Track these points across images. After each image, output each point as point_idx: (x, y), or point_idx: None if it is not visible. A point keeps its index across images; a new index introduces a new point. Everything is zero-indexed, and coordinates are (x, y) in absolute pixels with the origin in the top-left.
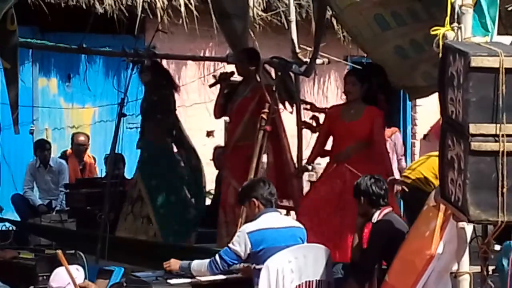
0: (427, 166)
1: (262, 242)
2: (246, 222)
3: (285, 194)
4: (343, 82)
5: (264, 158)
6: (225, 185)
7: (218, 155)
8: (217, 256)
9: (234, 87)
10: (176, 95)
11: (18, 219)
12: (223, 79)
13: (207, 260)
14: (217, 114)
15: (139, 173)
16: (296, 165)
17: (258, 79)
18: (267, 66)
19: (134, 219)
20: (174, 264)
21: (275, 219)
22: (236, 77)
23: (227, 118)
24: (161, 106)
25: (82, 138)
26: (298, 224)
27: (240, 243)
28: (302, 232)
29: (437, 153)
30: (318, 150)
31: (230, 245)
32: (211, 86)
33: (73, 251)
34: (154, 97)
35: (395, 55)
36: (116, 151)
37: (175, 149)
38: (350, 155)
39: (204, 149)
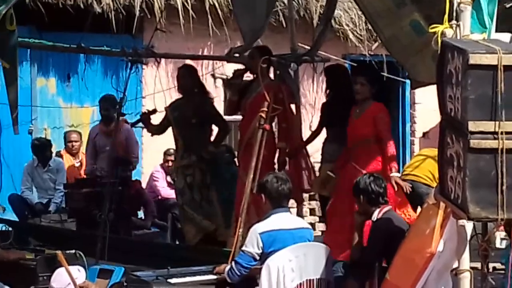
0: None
1: (273, 243)
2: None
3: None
4: (352, 82)
5: None
6: (239, 183)
7: (222, 153)
8: (233, 263)
9: (247, 85)
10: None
11: (16, 219)
12: (236, 77)
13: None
14: (229, 112)
15: None
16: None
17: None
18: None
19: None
20: (222, 269)
21: (286, 220)
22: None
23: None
24: None
25: (74, 135)
26: (306, 225)
27: (253, 244)
28: (310, 233)
29: (430, 152)
30: None
31: (244, 247)
32: (226, 84)
33: (73, 251)
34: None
35: (410, 30)
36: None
37: None
38: (355, 153)
39: None
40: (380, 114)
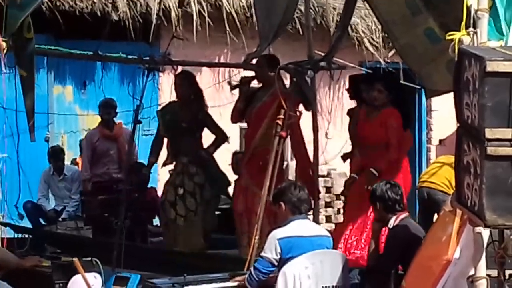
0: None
1: (291, 250)
2: (263, 228)
3: None
4: (369, 88)
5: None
6: (239, 191)
7: (238, 160)
8: (251, 268)
9: (253, 93)
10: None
11: (30, 226)
12: (243, 84)
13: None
14: (235, 119)
15: None
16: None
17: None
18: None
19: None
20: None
21: (305, 227)
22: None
23: (243, 124)
24: None
25: None
26: (325, 232)
27: (271, 250)
28: (329, 241)
29: (447, 159)
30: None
31: (262, 253)
32: (232, 89)
33: (89, 259)
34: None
35: (425, 39)
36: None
37: None
38: (368, 156)
39: (220, 154)
40: (391, 119)
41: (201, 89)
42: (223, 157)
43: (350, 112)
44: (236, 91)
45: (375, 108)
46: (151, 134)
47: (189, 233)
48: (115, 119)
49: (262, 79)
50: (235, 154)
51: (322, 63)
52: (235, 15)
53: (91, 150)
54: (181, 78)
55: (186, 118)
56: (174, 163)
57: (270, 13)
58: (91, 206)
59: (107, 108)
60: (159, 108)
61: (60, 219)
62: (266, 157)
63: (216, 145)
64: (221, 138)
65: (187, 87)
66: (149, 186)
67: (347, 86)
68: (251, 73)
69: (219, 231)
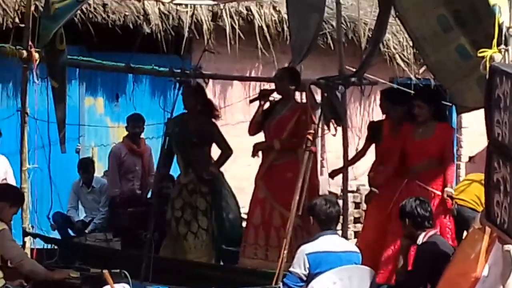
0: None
1: (320, 265)
2: (292, 243)
3: None
4: (412, 106)
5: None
6: (256, 203)
7: None
8: (280, 284)
9: (272, 105)
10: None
11: (59, 237)
12: (263, 96)
13: None
14: (252, 131)
15: None
16: (342, 187)
17: (300, 99)
18: (313, 87)
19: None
20: None
21: (333, 242)
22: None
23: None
24: None
25: None
26: (355, 248)
27: (300, 265)
28: (357, 257)
29: (476, 176)
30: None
31: (291, 268)
32: (251, 101)
33: (118, 271)
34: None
35: (456, 55)
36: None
37: None
38: (419, 172)
39: (249, 170)
40: (450, 135)
41: (210, 100)
42: (251, 172)
43: (375, 125)
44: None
45: (421, 125)
46: None
47: (200, 251)
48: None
49: (282, 92)
50: None
51: (353, 79)
52: (266, 29)
53: (117, 164)
54: (186, 90)
55: (194, 130)
56: (183, 177)
57: (303, 28)
58: (120, 219)
59: (137, 122)
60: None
61: (87, 231)
62: (285, 171)
63: (221, 161)
64: (225, 153)
65: (192, 98)
66: None
67: (378, 102)
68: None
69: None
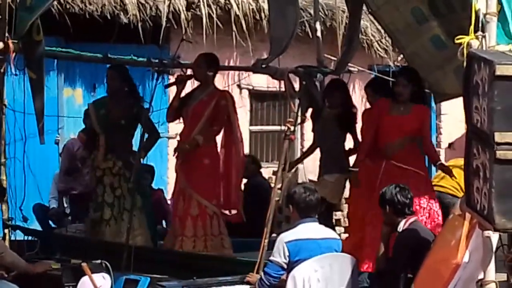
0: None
1: (299, 253)
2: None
3: (229, 204)
4: (395, 83)
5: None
6: (178, 194)
7: (247, 164)
8: (262, 273)
9: (191, 92)
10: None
11: (40, 228)
12: (180, 81)
13: None
14: (170, 118)
15: None
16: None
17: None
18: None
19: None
20: (254, 278)
21: (313, 230)
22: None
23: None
24: None
25: None
26: (334, 235)
27: (280, 253)
28: (337, 244)
29: (456, 162)
30: (369, 146)
31: (271, 257)
32: (166, 87)
33: (99, 261)
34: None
35: (431, 46)
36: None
37: None
38: (395, 151)
39: None
40: (426, 116)
41: (135, 83)
42: None
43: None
44: (246, 94)
45: (400, 103)
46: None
47: (122, 233)
48: None
49: (200, 78)
50: (245, 157)
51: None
52: (244, 19)
53: (70, 159)
54: (110, 73)
55: (120, 114)
56: (108, 160)
57: (282, 20)
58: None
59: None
60: (92, 101)
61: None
62: (203, 158)
63: (148, 145)
64: (154, 136)
65: (120, 81)
66: (156, 187)
67: (356, 89)
68: (261, 76)
69: (237, 234)
